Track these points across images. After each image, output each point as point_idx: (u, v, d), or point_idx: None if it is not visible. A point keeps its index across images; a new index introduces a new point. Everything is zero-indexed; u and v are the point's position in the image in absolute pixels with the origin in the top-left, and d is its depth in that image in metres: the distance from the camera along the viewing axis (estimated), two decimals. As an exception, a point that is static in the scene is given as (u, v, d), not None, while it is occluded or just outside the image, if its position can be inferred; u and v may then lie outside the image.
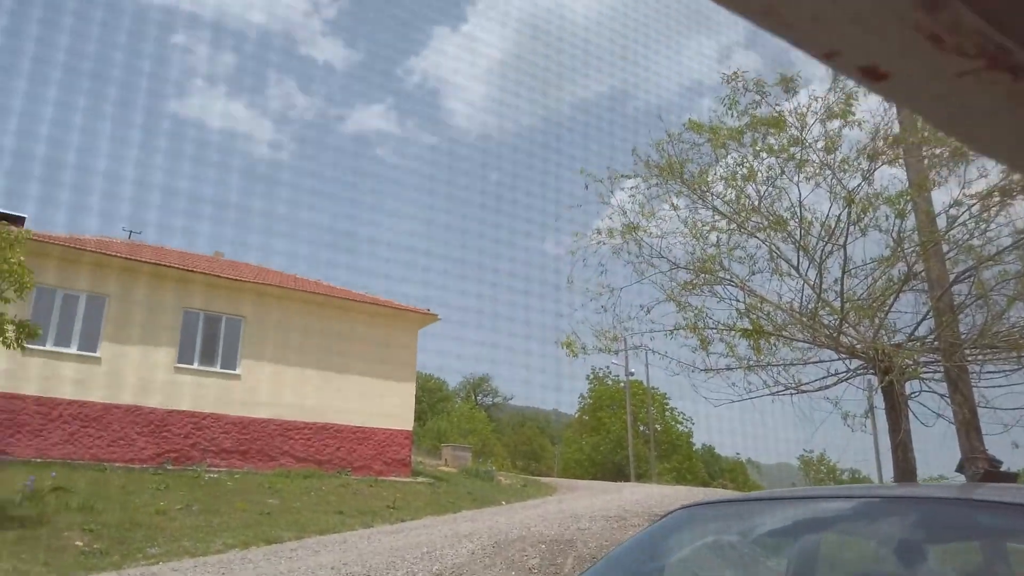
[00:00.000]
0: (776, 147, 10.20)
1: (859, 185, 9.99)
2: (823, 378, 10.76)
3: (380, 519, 13.57)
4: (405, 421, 20.43)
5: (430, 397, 54.18)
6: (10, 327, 10.97)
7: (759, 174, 10.44)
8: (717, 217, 10.77)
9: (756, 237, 10.65)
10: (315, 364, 19.20)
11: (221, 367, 18.18)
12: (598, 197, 11.04)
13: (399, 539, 11.15)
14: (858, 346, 10.13)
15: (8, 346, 11.06)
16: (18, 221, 18.06)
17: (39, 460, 14.80)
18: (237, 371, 18.32)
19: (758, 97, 10.32)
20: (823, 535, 2.69)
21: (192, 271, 18.22)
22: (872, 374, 10.39)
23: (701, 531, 2.89)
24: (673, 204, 11.00)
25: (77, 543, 9.80)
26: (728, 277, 10.72)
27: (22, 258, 10.88)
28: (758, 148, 10.39)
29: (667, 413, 43.80)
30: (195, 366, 17.81)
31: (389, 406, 20.10)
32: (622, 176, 10.98)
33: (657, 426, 43.28)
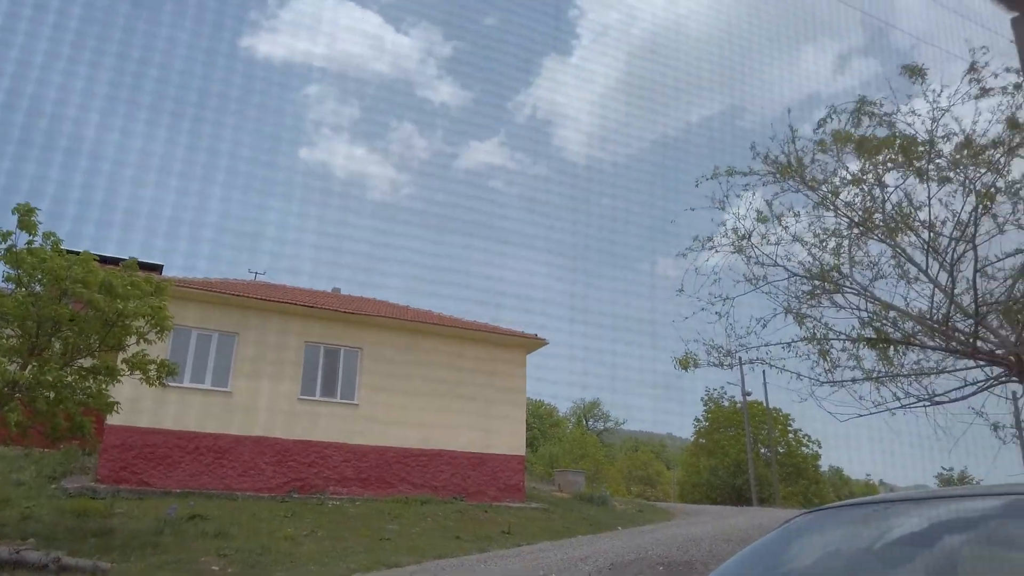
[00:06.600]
0: (902, 161, 9.74)
1: (993, 179, 9.34)
2: (960, 388, 10.02)
3: (496, 544, 13.59)
4: (517, 447, 20.47)
5: (541, 423, 54.04)
6: (152, 366, 11.85)
7: (884, 178, 10.02)
8: (839, 220, 10.34)
9: (883, 241, 10.14)
10: (429, 392, 19.58)
11: (341, 397, 18.88)
12: (714, 203, 10.79)
13: (515, 563, 11.12)
14: (999, 352, 9.36)
15: (151, 384, 11.94)
16: (156, 269, 19.60)
17: (179, 491, 15.82)
18: (355, 401, 18.96)
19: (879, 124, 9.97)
20: (962, 539, 2.46)
21: (313, 307, 19.09)
22: (1016, 381, 9.58)
23: (823, 538, 2.70)
24: (792, 210, 10.65)
25: (213, 568, 10.35)
26: (849, 285, 10.23)
27: (166, 303, 11.75)
28: (885, 163, 9.99)
29: (790, 435, 41.84)
30: (317, 397, 18.59)
31: (501, 432, 20.21)
32: (736, 173, 10.64)
33: (780, 448, 41.32)
